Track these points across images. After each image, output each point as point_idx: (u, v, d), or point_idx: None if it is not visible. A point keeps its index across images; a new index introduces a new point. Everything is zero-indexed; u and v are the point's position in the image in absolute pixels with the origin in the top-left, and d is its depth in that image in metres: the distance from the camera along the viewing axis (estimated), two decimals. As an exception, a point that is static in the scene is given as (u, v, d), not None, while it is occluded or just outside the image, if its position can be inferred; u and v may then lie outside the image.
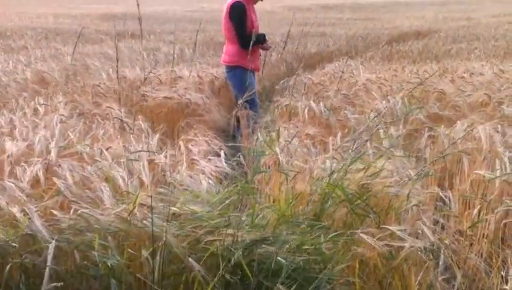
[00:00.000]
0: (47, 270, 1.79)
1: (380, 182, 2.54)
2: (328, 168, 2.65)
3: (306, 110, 3.94)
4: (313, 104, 4.09)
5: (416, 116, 3.83)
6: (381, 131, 3.42)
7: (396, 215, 2.45)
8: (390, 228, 2.04)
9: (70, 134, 2.99)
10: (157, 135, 3.24)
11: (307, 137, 3.40)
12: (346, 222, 2.44)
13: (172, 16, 21.15)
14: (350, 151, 2.98)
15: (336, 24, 17.83)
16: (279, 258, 1.88)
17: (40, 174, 2.42)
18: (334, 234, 2.04)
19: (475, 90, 4.54)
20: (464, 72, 5.61)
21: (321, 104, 4.11)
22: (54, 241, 1.86)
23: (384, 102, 4.21)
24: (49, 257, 1.79)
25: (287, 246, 1.91)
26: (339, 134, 3.28)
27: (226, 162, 2.91)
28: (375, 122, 3.69)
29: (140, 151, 2.69)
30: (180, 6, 30.34)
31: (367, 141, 3.18)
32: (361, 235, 2.01)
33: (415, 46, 10.73)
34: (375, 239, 2.00)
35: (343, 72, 6.05)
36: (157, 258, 1.95)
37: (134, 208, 1.98)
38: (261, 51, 4.98)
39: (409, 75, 5.65)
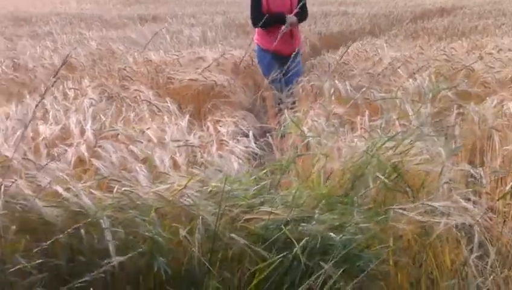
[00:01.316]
0: (111, 245, 1.87)
1: (410, 160, 2.55)
2: (358, 146, 2.67)
3: (332, 90, 3.93)
4: (339, 84, 4.08)
5: (444, 94, 3.79)
6: (409, 109, 3.40)
7: (428, 193, 2.46)
8: (429, 203, 2.05)
9: (103, 117, 3.04)
10: (187, 117, 3.28)
11: (334, 116, 3.41)
12: (377, 199, 2.46)
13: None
14: (378, 130, 2.99)
15: (358, 3, 17.56)
16: (331, 234, 1.91)
17: (85, 154, 2.49)
18: (373, 212, 2.06)
19: (504, 67, 4.47)
20: (492, 49, 5.51)
21: (347, 83, 4.10)
22: (105, 217, 1.92)
23: (411, 80, 4.18)
24: (108, 232, 1.87)
25: (326, 225, 1.94)
26: (367, 113, 3.27)
27: (254, 143, 2.95)
28: (402, 100, 3.67)
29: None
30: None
31: (395, 119, 3.18)
32: (398, 210, 2.02)
33: (440, 23, 10.53)
34: (410, 215, 2.02)
35: (367, 51, 6.01)
36: (196, 236, 2.00)
37: (183, 188, 2.03)
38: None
39: (436, 52, 5.57)
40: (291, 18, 4.56)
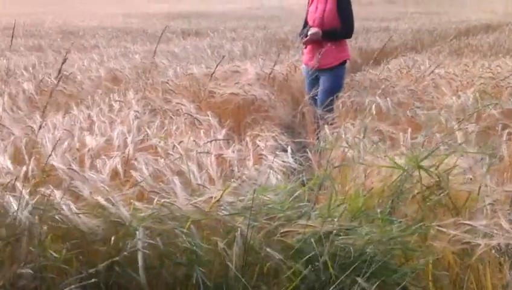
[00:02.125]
0: (140, 255, 1.91)
1: (453, 179, 2.49)
2: (398, 163, 2.63)
3: (373, 106, 3.90)
4: (380, 100, 4.04)
5: (489, 112, 3.70)
6: (454, 127, 3.34)
7: (470, 213, 2.40)
8: (470, 222, 2.00)
9: (147, 130, 3.12)
10: (224, 130, 3.32)
11: (375, 133, 3.37)
12: (417, 218, 2.41)
13: (233, 13, 21.39)
14: (420, 147, 2.94)
15: (400, 18, 17.39)
16: (368, 247, 1.89)
17: (119, 167, 2.55)
18: (416, 226, 2.02)
19: (554, 85, 4.32)
20: (541, 67, 5.34)
21: (388, 99, 4.05)
22: (141, 228, 1.97)
23: (454, 98, 4.10)
24: (140, 243, 1.91)
25: (365, 238, 1.92)
26: (409, 130, 3.22)
27: (292, 158, 2.94)
28: (446, 118, 3.61)
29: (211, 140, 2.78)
30: (240, 4, 30.64)
31: (439, 138, 3.13)
32: (438, 228, 1.99)
33: (485, 40, 10.30)
34: (451, 235, 1.97)
35: (409, 67, 5.94)
36: (234, 249, 2.01)
37: (218, 200, 2.06)
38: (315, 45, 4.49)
39: (480, 70, 5.45)
40: (311, 30, 4.40)
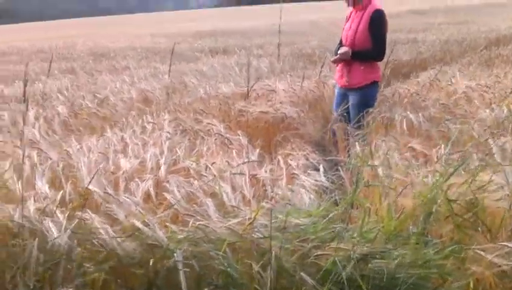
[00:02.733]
0: (182, 274, 1.93)
1: (488, 196, 2.44)
2: (430, 181, 2.60)
3: (404, 122, 3.86)
4: (411, 115, 4.00)
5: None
6: (490, 142, 3.28)
7: (507, 232, 2.35)
8: (506, 244, 1.95)
9: (178, 151, 3.16)
10: (257, 150, 3.33)
11: (407, 149, 3.34)
12: (453, 238, 2.37)
13: (259, 30, 21.57)
14: (454, 163, 2.90)
15: (428, 29, 17.21)
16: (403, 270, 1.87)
17: (151, 189, 2.59)
18: (449, 248, 1.99)
19: None
20: None
21: (419, 114, 4.01)
22: (178, 251, 2.00)
23: (488, 111, 4.02)
24: (180, 265, 1.93)
25: (399, 261, 1.90)
26: (442, 146, 3.18)
27: (324, 176, 2.94)
28: (479, 132, 3.54)
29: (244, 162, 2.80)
30: (266, 20, 30.89)
31: (472, 153, 3.07)
32: (477, 251, 1.95)
33: (517, 49, 10.08)
34: (490, 257, 1.93)
35: (439, 80, 5.86)
36: (268, 272, 2.02)
37: (251, 223, 2.07)
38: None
39: (514, 81, 5.34)
40: (341, 49, 4.36)
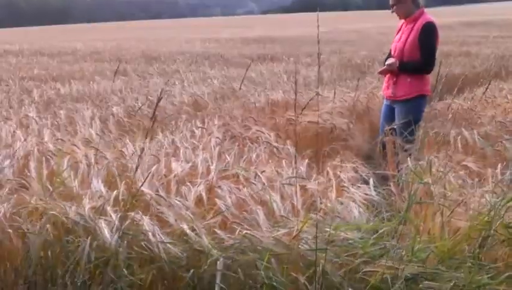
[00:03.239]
0: (217, 283, 1.95)
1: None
2: (486, 202, 2.52)
3: (458, 139, 3.76)
4: (466, 132, 3.90)
5: None
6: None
7: None
8: None
9: (228, 157, 3.19)
10: (306, 161, 3.32)
11: (461, 168, 3.25)
12: (508, 261, 2.29)
13: (309, 38, 21.53)
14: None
15: (482, 43, 16.72)
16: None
17: (203, 194, 2.62)
18: (506, 274, 1.92)
19: None
20: None
21: (474, 131, 3.90)
22: (221, 259, 2.01)
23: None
24: (218, 274, 1.94)
25: (452, 284, 1.85)
26: (499, 166, 3.07)
27: (374, 190, 2.90)
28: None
29: (292, 177, 2.79)
30: (314, 28, 30.78)
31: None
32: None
33: None
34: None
35: (495, 96, 5.68)
36: (314, 285, 2.00)
37: (298, 233, 2.06)
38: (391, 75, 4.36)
39: None
40: (389, 60, 4.29)
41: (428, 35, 4.11)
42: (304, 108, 4.30)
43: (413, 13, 4.22)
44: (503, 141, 3.65)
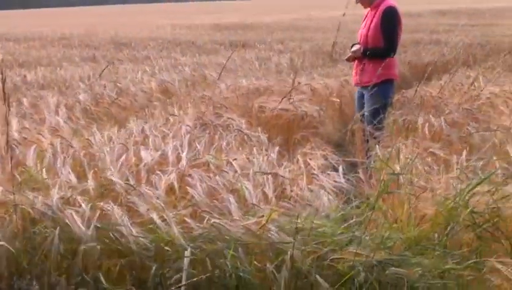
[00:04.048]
0: (184, 274, 1.94)
1: (511, 207, 2.42)
2: (451, 188, 2.57)
3: (426, 126, 3.83)
4: (433, 119, 3.96)
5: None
6: (510, 150, 3.23)
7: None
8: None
9: (198, 145, 3.17)
10: (277, 148, 3.33)
11: (428, 154, 3.31)
12: (473, 247, 2.35)
13: (280, 25, 21.48)
14: (477, 171, 2.86)
15: (451, 31, 16.96)
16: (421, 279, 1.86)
17: (175, 183, 2.61)
18: (470, 262, 1.97)
19: None
20: None
21: (442, 119, 3.97)
22: (189, 249, 2.00)
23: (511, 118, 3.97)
24: (186, 262, 1.94)
25: (419, 270, 1.89)
26: (464, 152, 3.14)
27: (343, 177, 2.93)
28: (502, 140, 3.50)
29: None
30: (287, 15, 30.72)
31: (495, 160, 3.04)
32: (496, 265, 1.93)
33: (543, 54, 9.89)
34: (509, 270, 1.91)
35: (462, 84, 5.79)
36: (283, 272, 2.02)
37: (266, 222, 2.07)
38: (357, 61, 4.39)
39: (539, 88, 5.24)
40: (354, 47, 4.35)
41: (388, 20, 4.16)
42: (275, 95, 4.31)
43: (376, 0, 4.27)
44: (469, 128, 3.73)
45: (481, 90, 5.07)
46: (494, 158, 3.05)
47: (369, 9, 4.41)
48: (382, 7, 4.24)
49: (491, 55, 10.89)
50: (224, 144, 3.38)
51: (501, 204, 2.39)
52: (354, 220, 2.35)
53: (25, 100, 4.71)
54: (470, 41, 12.86)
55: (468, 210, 2.30)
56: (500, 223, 2.36)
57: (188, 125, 3.69)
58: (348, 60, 4.50)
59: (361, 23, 4.51)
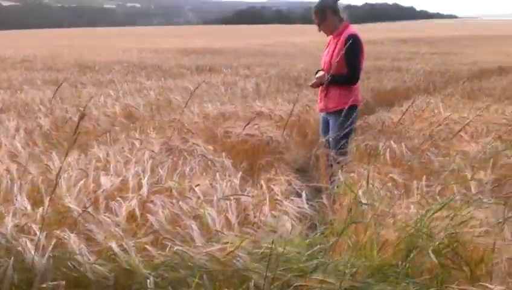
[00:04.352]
0: None
1: (469, 232, 2.47)
2: (412, 213, 2.61)
3: (388, 151, 3.89)
4: (394, 145, 4.04)
5: (505, 160, 3.68)
6: (468, 175, 3.32)
7: (487, 269, 2.36)
8: (487, 285, 1.96)
9: (160, 170, 3.13)
10: (240, 173, 3.32)
11: (389, 180, 3.36)
12: (433, 272, 2.38)
13: (247, 50, 21.71)
14: (435, 196, 2.92)
15: (412, 58, 17.51)
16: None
17: (136, 209, 2.55)
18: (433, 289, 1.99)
19: None
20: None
21: (403, 144, 4.05)
22: (151, 277, 1.95)
23: (470, 144, 4.08)
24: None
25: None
26: (424, 178, 3.21)
27: (307, 203, 2.94)
28: (460, 165, 3.59)
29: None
30: (258, 40, 31.11)
31: (453, 185, 3.11)
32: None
33: (499, 82, 10.31)
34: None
35: (422, 110, 5.94)
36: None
37: (234, 250, 2.04)
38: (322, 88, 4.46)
39: (495, 115, 5.44)
40: (318, 74, 4.42)
41: (351, 47, 4.23)
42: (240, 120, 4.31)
43: (338, 28, 4.38)
44: (428, 154, 3.82)
45: (440, 117, 5.22)
46: (453, 183, 3.12)
47: (331, 36, 4.50)
48: (345, 35, 4.34)
49: (451, 82, 11.27)
50: (188, 169, 3.35)
51: (459, 229, 2.44)
52: (318, 246, 2.34)
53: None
54: (430, 69, 13.29)
55: (429, 234, 2.33)
56: (460, 249, 2.40)
57: (152, 151, 3.65)
58: (312, 86, 4.56)
59: (324, 50, 4.60)
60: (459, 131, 4.33)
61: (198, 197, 2.75)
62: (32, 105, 6.12)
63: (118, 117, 5.52)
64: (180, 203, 2.64)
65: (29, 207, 2.47)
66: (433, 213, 2.48)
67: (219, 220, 2.49)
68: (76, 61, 14.51)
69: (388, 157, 3.87)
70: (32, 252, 2.06)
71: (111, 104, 6.15)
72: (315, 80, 4.43)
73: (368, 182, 3.09)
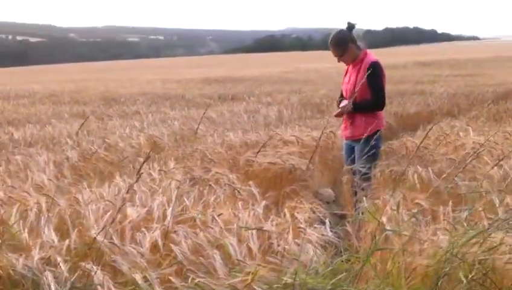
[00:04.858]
0: None
1: (499, 258, 2.40)
2: (440, 240, 2.56)
3: (415, 176, 3.85)
4: (420, 170, 3.99)
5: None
6: (496, 200, 3.25)
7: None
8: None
9: (186, 200, 3.15)
10: (264, 202, 3.32)
11: (415, 205, 3.31)
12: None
13: (269, 77, 21.91)
14: (462, 222, 2.86)
15: (435, 81, 17.40)
16: None
17: (159, 240, 2.57)
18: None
19: None
20: None
21: (429, 169, 4.00)
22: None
23: (496, 168, 4.00)
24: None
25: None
26: (450, 203, 3.15)
27: (331, 231, 2.91)
28: (487, 189, 3.52)
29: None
30: (278, 67, 31.38)
31: (481, 211, 3.04)
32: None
33: (525, 104, 10.12)
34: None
35: (447, 134, 5.87)
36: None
37: (251, 281, 2.03)
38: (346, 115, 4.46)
39: (522, 137, 5.33)
40: (342, 103, 4.44)
41: (374, 74, 4.25)
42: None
43: (358, 56, 4.40)
44: (455, 178, 3.75)
45: (466, 140, 5.15)
46: (480, 208, 3.06)
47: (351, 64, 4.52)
48: (366, 62, 4.35)
49: (475, 104, 11.11)
50: (212, 199, 3.36)
51: (488, 255, 2.38)
52: (343, 274, 2.31)
53: (12, 158, 4.70)
54: (454, 91, 13.16)
55: (463, 263, 2.28)
56: (491, 275, 2.34)
57: (177, 180, 3.68)
58: (336, 115, 4.57)
59: (343, 78, 4.61)
60: (479, 152, 4.25)
61: (221, 227, 2.75)
62: (59, 138, 6.26)
63: (143, 148, 5.59)
64: (203, 233, 2.65)
65: (55, 239, 2.51)
66: (468, 240, 2.42)
67: (241, 250, 2.49)
68: (101, 94, 14.85)
69: (415, 183, 3.82)
70: (53, 287, 2.08)
71: (136, 135, 6.25)
72: (339, 110, 4.45)
73: (393, 209, 3.05)
